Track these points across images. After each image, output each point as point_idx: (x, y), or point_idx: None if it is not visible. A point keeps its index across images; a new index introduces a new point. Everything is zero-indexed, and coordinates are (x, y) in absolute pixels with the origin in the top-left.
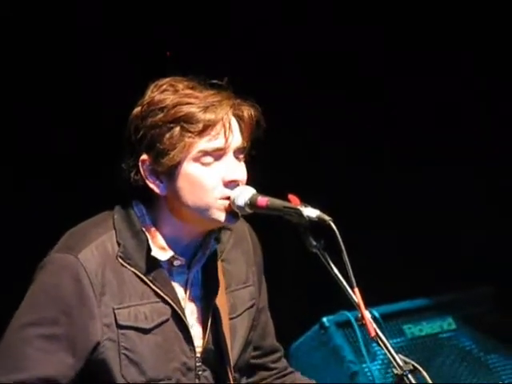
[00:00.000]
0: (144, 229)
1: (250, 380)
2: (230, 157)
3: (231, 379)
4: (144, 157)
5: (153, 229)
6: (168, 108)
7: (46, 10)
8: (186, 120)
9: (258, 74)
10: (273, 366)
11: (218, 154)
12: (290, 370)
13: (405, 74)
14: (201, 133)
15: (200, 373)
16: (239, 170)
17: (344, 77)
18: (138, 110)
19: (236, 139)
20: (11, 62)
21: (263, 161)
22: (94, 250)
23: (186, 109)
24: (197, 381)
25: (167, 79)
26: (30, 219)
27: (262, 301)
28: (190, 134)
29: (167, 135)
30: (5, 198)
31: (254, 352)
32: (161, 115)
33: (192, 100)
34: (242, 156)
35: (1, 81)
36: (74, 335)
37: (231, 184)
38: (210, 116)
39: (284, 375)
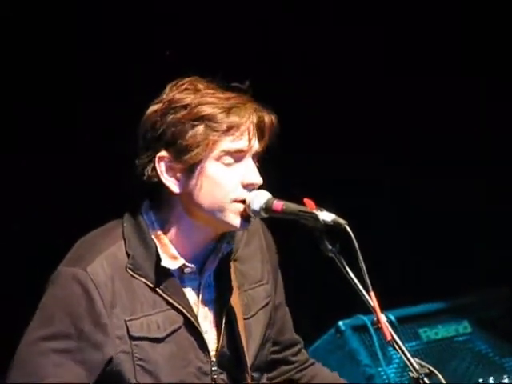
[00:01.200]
0: (153, 237)
1: (271, 375)
2: (249, 160)
3: (248, 380)
4: (162, 153)
5: (162, 236)
6: (191, 106)
7: (46, 11)
8: (210, 119)
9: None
10: (293, 359)
11: (239, 155)
12: (310, 361)
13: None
14: (225, 132)
15: (216, 376)
16: (257, 174)
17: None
18: (156, 107)
19: (256, 142)
20: (11, 62)
21: (278, 164)
22: (103, 261)
23: (209, 108)
24: None
25: (187, 79)
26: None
27: (278, 297)
28: (214, 133)
29: (190, 132)
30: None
31: (274, 347)
32: (184, 112)
33: (215, 100)
34: (256, 159)
35: (1, 81)
36: (86, 349)
37: (249, 187)
38: (234, 117)
39: (305, 368)
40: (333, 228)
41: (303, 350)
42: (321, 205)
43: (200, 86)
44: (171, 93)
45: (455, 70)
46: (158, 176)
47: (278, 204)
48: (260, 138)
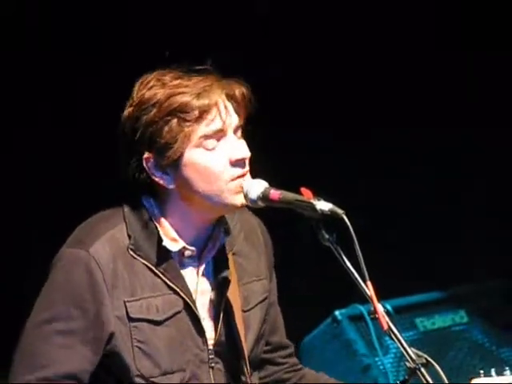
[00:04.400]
0: (154, 220)
1: (260, 374)
2: (230, 136)
3: (246, 371)
4: (146, 155)
5: (162, 219)
6: (160, 102)
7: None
8: (181, 110)
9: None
10: (282, 361)
11: (218, 135)
12: (300, 366)
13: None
14: (198, 119)
15: (213, 365)
16: (242, 147)
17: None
18: (129, 110)
19: (233, 118)
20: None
21: (275, 154)
22: (105, 243)
23: (178, 99)
24: (210, 373)
25: (152, 75)
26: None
27: (272, 295)
28: (188, 123)
29: (166, 129)
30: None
31: (265, 347)
32: (155, 111)
33: (183, 89)
34: (240, 134)
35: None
36: (89, 328)
37: (238, 162)
38: (203, 101)
39: (294, 370)
40: (330, 217)
41: (294, 357)
42: (318, 194)
43: (166, 79)
44: (140, 92)
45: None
46: (149, 176)
47: (275, 193)
48: (237, 112)
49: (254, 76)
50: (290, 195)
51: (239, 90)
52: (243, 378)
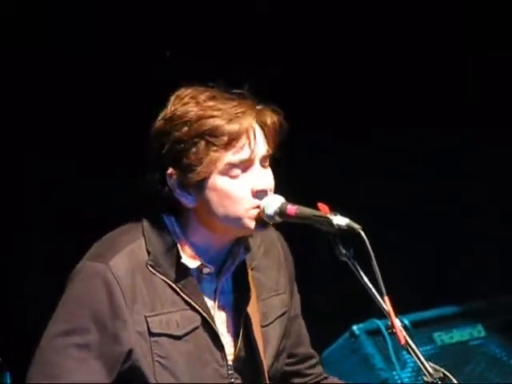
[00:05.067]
0: (173, 237)
1: None
2: (256, 166)
3: None
4: (170, 171)
5: (182, 237)
6: (191, 122)
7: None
8: (211, 133)
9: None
10: (308, 372)
11: (244, 165)
12: (324, 375)
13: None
14: (226, 146)
15: (232, 380)
16: (267, 179)
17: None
18: (161, 123)
19: (261, 148)
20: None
21: (292, 168)
22: (124, 257)
23: (209, 122)
24: None
25: (188, 90)
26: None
27: (294, 309)
28: (215, 148)
29: (193, 150)
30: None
31: (289, 359)
32: (185, 129)
33: (215, 112)
34: (267, 163)
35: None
36: (106, 343)
37: (260, 193)
38: (234, 127)
39: (318, 381)
40: (347, 232)
41: (319, 365)
42: (335, 209)
43: (200, 98)
44: (173, 106)
45: None
46: (171, 192)
47: (292, 208)
48: (266, 141)
49: (254, 76)
50: (307, 210)
51: (271, 118)
52: None
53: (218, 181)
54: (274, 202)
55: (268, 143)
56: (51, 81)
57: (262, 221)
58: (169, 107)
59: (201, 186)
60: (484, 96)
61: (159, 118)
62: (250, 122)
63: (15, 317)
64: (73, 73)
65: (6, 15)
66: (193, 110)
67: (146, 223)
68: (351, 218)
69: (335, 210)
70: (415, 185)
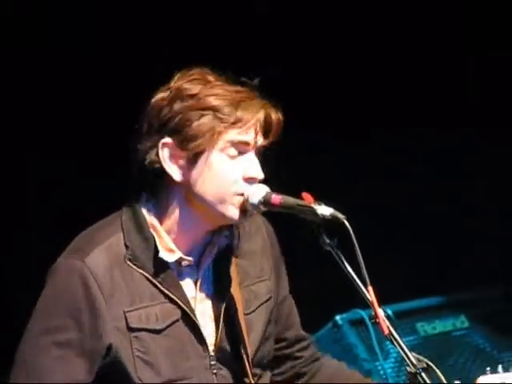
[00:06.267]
0: (151, 229)
1: (277, 371)
2: (251, 154)
3: (250, 376)
4: (166, 140)
5: (159, 228)
6: (200, 96)
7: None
8: (218, 110)
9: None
10: (299, 354)
11: (243, 148)
12: (317, 355)
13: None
14: (232, 124)
15: (215, 371)
16: (259, 168)
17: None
18: (163, 94)
19: (261, 138)
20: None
21: (292, 169)
22: (102, 252)
23: (218, 99)
24: (214, 379)
25: (197, 69)
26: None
27: (282, 291)
28: (221, 124)
29: (197, 121)
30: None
31: (280, 344)
32: (192, 101)
33: (225, 92)
34: (259, 155)
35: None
36: (86, 340)
37: (250, 180)
38: (242, 111)
39: (312, 361)
40: (331, 222)
41: (312, 346)
42: (320, 199)
43: (209, 78)
44: (179, 81)
45: None
46: (160, 162)
47: (277, 198)
48: (265, 134)
49: (254, 76)
50: (291, 200)
51: (276, 115)
52: (247, 381)
53: (214, 157)
54: (258, 191)
55: (268, 136)
56: (51, 81)
57: (245, 211)
58: (173, 82)
59: (195, 159)
60: (484, 96)
61: (161, 89)
62: (258, 110)
63: (14, 317)
64: (73, 73)
65: (5, 15)
66: (200, 86)
67: (125, 216)
68: (353, 216)
69: (324, 200)
70: (415, 185)
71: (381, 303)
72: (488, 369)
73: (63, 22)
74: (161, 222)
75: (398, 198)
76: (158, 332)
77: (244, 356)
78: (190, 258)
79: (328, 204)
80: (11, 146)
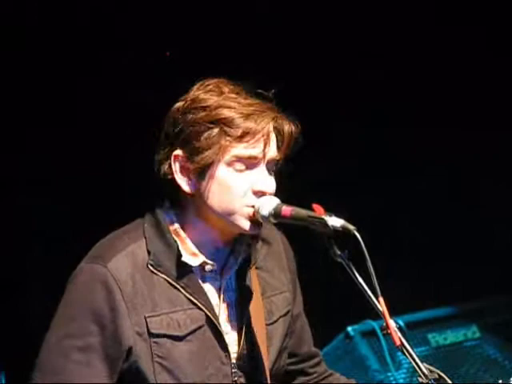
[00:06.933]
0: (174, 235)
1: None
2: (262, 168)
3: None
4: (178, 152)
5: (182, 234)
6: (210, 108)
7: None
8: (227, 123)
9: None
10: (311, 370)
11: (251, 162)
12: (329, 372)
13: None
14: (239, 138)
15: (236, 379)
16: (270, 182)
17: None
18: (180, 104)
19: (272, 151)
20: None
21: (291, 169)
22: (124, 258)
23: (227, 112)
24: None
25: (214, 80)
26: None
27: (296, 307)
28: (228, 138)
29: (205, 134)
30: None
31: (292, 359)
32: (202, 114)
33: (235, 105)
34: (273, 169)
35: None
36: (107, 344)
37: (259, 194)
38: (250, 124)
39: (322, 379)
40: (342, 233)
41: (323, 363)
42: (330, 210)
43: (225, 89)
44: (196, 92)
45: None
46: (172, 174)
47: (287, 209)
48: (278, 146)
49: (254, 76)
50: (302, 211)
51: (288, 127)
52: None
53: (221, 171)
54: (269, 203)
55: (279, 150)
56: (51, 81)
57: (256, 222)
58: (191, 91)
59: (203, 172)
60: (484, 96)
61: (180, 99)
62: (266, 123)
63: (13, 317)
64: (73, 73)
65: (5, 15)
66: (214, 97)
67: (147, 224)
68: (350, 219)
69: (334, 210)
70: (416, 185)
71: (392, 314)
72: (500, 381)
73: (63, 22)
74: (183, 229)
75: (398, 198)
76: (179, 339)
77: (264, 366)
78: (212, 263)
79: (338, 215)
80: (11, 145)
